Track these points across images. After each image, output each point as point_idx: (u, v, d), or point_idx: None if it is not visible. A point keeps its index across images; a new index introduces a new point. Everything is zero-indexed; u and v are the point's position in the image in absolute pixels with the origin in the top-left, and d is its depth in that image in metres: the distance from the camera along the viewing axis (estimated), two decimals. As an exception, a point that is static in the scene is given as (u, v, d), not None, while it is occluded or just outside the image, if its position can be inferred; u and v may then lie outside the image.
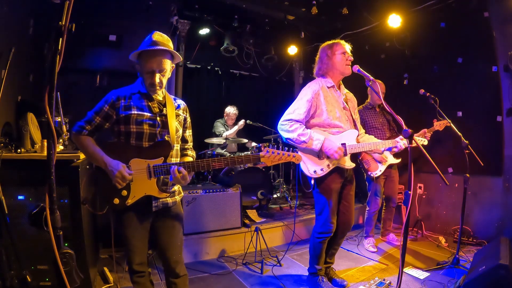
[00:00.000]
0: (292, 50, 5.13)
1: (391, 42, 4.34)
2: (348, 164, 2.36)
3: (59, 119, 2.35)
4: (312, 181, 2.39)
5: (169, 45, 1.64)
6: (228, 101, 4.97)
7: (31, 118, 2.31)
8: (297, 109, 2.31)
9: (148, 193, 1.60)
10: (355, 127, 2.45)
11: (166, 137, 1.65)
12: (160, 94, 1.71)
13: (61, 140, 2.35)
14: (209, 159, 1.60)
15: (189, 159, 1.83)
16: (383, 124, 3.47)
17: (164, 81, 1.65)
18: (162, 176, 1.62)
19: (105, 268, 2.67)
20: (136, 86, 1.69)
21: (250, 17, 4.73)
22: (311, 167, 2.33)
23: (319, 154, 2.30)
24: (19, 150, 1.99)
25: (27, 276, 1.76)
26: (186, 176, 1.55)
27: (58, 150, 2.07)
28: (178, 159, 1.76)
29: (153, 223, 1.72)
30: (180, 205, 1.82)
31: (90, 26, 3.17)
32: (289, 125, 2.28)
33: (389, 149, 2.40)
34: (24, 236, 1.85)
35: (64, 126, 2.41)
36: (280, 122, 2.34)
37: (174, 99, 1.79)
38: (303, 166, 2.37)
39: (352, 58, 2.37)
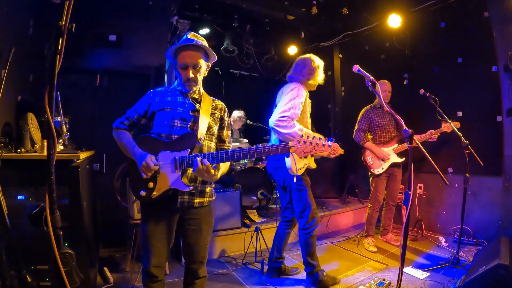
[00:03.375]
0: (292, 50, 5.13)
1: (391, 42, 4.35)
2: (313, 165, 2.57)
3: (59, 119, 2.35)
4: (295, 179, 2.52)
5: (204, 43, 1.67)
6: (228, 101, 4.94)
7: (31, 118, 2.30)
8: (292, 108, 2.43)
9: (172, 186, 1.58)
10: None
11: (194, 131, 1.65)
12: (196, 93, 1.74)
13: (61, 140, 2.35)
14: (234, 150, 1.52)
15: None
16: (390, 123, 3.50)
17: (199, 78, 1.68)
18: (188, 170, 1.59)
19: (105, 268, 2.67)
20: (175, 84, 1.77)
21: (250, 17, 4.73)
22: (298, 165, 2.48)
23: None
24: (19, 150, 1.99)
25: (27, 276, 1.75)
26: (209, 167, 1.49)
27: (58, 150, 2.06)
28: None
29: (181, 225, 1.71)
30: (210, 209, 1.78)
31: (90, 26, 3.17)
32: (287, 121, 2.40)
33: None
34: (24, 236, 1.85)
35: (64, 126, 2.41)
36: (277, 117, 2.42)
37: (214, 99, 1.81)
38: (291, 163, 2.47)
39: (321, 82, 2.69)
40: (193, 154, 1.56)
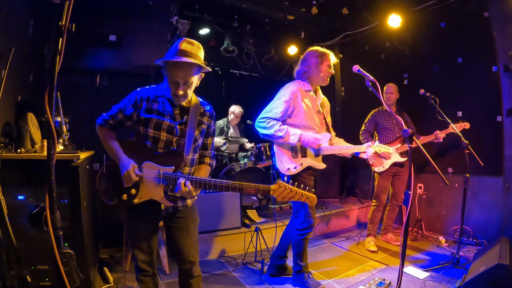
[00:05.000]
0: (292, 50, 5.13)
1: (391, 42, 4.35)
2: (320, 165, 2.47)
3: (59, 119, 2.35)
4: (285, 178, 2.43)
5: (198, 54, 1.56)
6: (228, 101, 4.98)
7: (31, 118, 2.30)
8: (274, 108, 2.41)
9: (153, 198, 1.59)
10: (328, 130, 2.57)
11: (180, 148, 1.64)
12: (185, 101, 1.66)
13: (61, 140, 2.35)
14: (217, 180, 1.54)
15: (205, 168, 1.78)
16: (396, 125, 3.55)
17: (189, 93, 1.60)
18: (170, 186, 1.60)
19: (105, 268, 2.67)
20: (162, 88, 1.66)
21: (250, 17, 4.73)
22: (286, 165, 2.43)
23: (294, 152, 2.42)
24: (19, 150, 1.98)
25: (27, 276, 1.75)
26: (191, 191, 1.51)
27: (58, 150, 2.06)
28: (193, 168, 1.73)
29: (167, 225, 1.73)
30: (194, 208, 1.80)
31: (90, 26, 3.17)
32: (266, 122, 2.39)
33: (357, 154, 2.47)
34: (24, 236, 1.85)
35: (64, 126, 2.41)
36: (258, 119, 2.44)
37: (202, 104, 1.74)
38: (278, 163, 2.46)
39: (333, 72, 2.49)
40: (177, 173, 1.57)
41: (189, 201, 1.74)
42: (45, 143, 1.89)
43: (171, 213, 1.70)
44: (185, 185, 1.49)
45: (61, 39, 1.04)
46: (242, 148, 4.68)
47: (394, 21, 3.83)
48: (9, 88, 2.16)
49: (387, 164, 3.45)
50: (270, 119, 2.38)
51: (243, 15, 4.63)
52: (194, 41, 1.57)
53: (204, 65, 1.57)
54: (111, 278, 2.55)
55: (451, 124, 3.03)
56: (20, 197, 1.91)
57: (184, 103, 1.66)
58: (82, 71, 3.35)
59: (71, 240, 1.96)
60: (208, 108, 1.77)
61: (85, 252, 2.06)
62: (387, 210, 3.67)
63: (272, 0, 4.37)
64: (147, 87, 1.68)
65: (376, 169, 3.51)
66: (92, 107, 3.42)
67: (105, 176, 1.67)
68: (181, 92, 1.54)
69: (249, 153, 4.28)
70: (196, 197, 1.81)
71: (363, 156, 2.44)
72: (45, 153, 1.23)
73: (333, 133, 2.64)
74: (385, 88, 3.57)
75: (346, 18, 4.35)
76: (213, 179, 1.55)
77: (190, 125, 1.64)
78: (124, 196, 1.59)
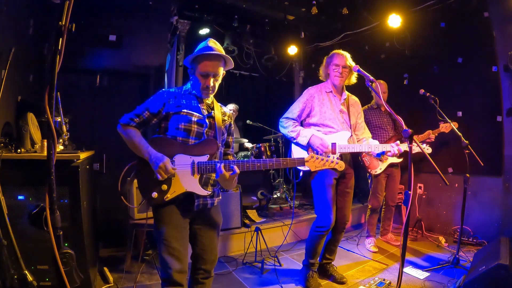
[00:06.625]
0: (292, 50, 5.13)
1: (391, 42, 4.35)
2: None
3: (59, 119, 2.35)
4: (301, 173, 2.56)
5: (222, 51, 1.71)
6: (228, 101, 4.98)
7: (31, 118, 2.30)
8: (294, 109, 2.59)
9: (188, 189, 1.58)
10: (350, 130, 2.56)
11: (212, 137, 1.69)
12: (210, 98, 1.77)
13: (61, 140, 2.35)
14: (255, 160, 1.63)
15: None
16: (388, 123, 3.50)
17: (216, 85, 1.73)
18: (205, 174, 1.63)
19: (105, 268, 2.67)
20: (187, 88, 1.76)
21: (250, 17, 4.73)
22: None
23: (307, 150, 2.48)
24: (19, 150, 1.98)
25: (27, 276, 1.75)
26: (235, 174, 1.58)
27: (58, 150, 2.07)
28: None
29: (192, 225, 1.70)
30: (219, 208, 1.82)
31: (90, 26, 3.17)
32: (284, 122, 2.56)
33: (383, 153, 2.41)
34: (24, 236, 1.85)
35: (64, 126, 2.41)
36: (280, 120, 2.61)
37: (221, 105, 1.87)
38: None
39: (340, 71, 2.49)
40: (213, 161, 1.60)
41: (215, 199, 1.77)
42: (45, 143, 1.89)
43: (200, 211, 1.67)
44: (227, 168, 1.56)
45: (61, 39, 1.04)
46: (242, 147, 4.69)
47: (394, 21, 3.83)
48: (9, 88, 2.16)
49: (383, 165, 3.41)
50: (289, 119, 2.54)
51: (243, 15, 4.63)
52: (217, 42, 1.76)
53: (229, 59, 1.70)
54: (111, 278, 2.55)
55: (441, 123, 3.04)
56: (20, 197, 1.91)
57: (208, 101, 1.77)
58: (82, 71, 3.35)
59: (71, 240, 1.96)
60: (227, 109, 1.89)
61: (85, 252, 2.06)
62: (383, 212, 3.65)
63: (272, 0, 4.36)
64: (170, 89, 1.74)
65: (373, 171, 3.44)
66: (92, 107, 3.43)
67: (128, 177, 1.64)
68: (211, 84, 1.67)
69: (249, 152, 4.28)
70: (220, 197, 1.84)
71: (388, 155, 2.39)
72: (45, 153, 1.23)
73: (368, 135, 2.63)
74: (378, 86, 3.53)
75: (346, 18, 4.35)
76: (250, 160, 1.65)
77: (217, 119, 1.73)
78: (155, 195, 1.54)
